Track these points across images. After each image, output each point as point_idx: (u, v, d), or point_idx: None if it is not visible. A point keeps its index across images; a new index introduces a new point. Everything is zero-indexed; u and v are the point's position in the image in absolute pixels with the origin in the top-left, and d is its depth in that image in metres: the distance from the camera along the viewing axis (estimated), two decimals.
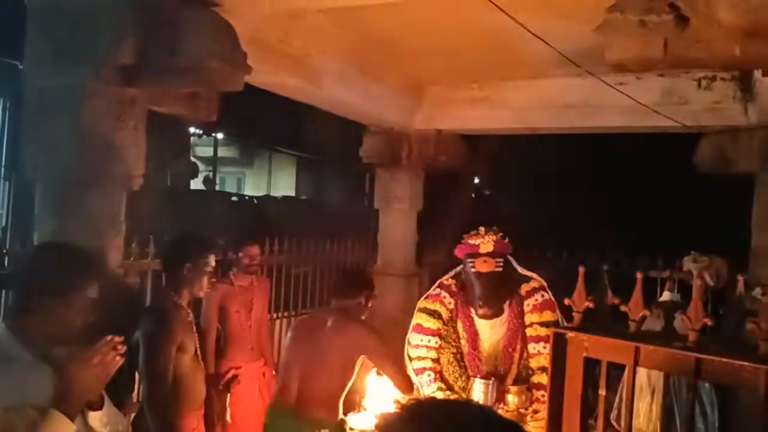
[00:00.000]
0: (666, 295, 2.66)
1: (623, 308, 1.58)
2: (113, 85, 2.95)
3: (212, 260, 3.18)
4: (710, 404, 2.57)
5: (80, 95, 2.91)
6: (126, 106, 3.03)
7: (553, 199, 10.56)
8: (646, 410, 2.49)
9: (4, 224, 8.03)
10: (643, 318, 1.66)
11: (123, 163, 3.07)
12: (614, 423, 2.38)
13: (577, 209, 9.87)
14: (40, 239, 3.06)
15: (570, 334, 1.60)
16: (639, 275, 1.58)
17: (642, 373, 2.37)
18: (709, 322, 1.44)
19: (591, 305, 1.61)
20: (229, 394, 3.64)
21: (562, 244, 5.71)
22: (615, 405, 2.42)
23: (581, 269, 1.66)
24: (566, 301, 1.63)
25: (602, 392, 1.64)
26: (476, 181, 18.19)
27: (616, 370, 1.72)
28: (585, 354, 1.58)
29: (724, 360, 1.39)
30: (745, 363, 1.36)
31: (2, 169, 8.46)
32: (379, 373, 3.43)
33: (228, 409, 3.64)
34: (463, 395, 3.63)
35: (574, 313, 1.64)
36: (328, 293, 3.39)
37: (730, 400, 1.88)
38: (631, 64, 2.10)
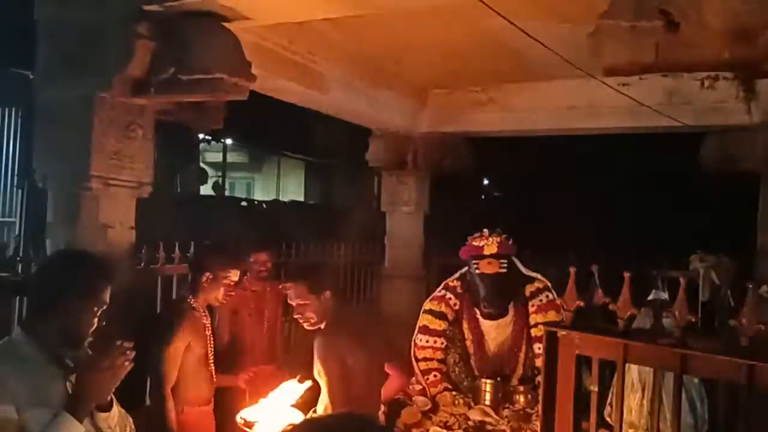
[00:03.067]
0: (653, 294, 2.70)
1: (612, 307, 1.62)
2: (122, 95, 3.03)
3: (233, 275, 3.28)
4: (699, 399, 2.61)
5: (90, 106, 2.99)
6: (134, 116, 3.11)
7: (561, 200, 10.57)
8: (637, 406, 2.53)
9: (17, 232, 8.14)
10: (633, 316, 1.71)
11: (132, 171, 3.15)
12: (607, 419, 2.42)
13: (584, 210, 9.87)
14: (52, 247, 3.14)
15: (561, 333, 1.65)
16: (626, 275, 1.62)
17: (633, 369, 2.41)
18: (693, 319, 1.48)
19: (581, 304, 1.66)
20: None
21: (569, 244, 5.73)
22: (608, 401, 2.46)
23: (572, 269, 1.71)
24: (557, 302, 1.68)
25: (594, 388, 1.68)
26: (485, 182, 18.21)
27: (609, 367, 1.76)
28: (577, 352, 1.62)
29: (708, 355, 1.43)
30: (727, 358, 1.41)
31: (15, 177, 8.58)
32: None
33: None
34: (470, 395, 3.69)
35: (564, 312, 1.69)
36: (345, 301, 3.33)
37: (719, 395, 1.93)
38: (623, 68, 2.14)
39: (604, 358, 1.64)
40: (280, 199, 15.49)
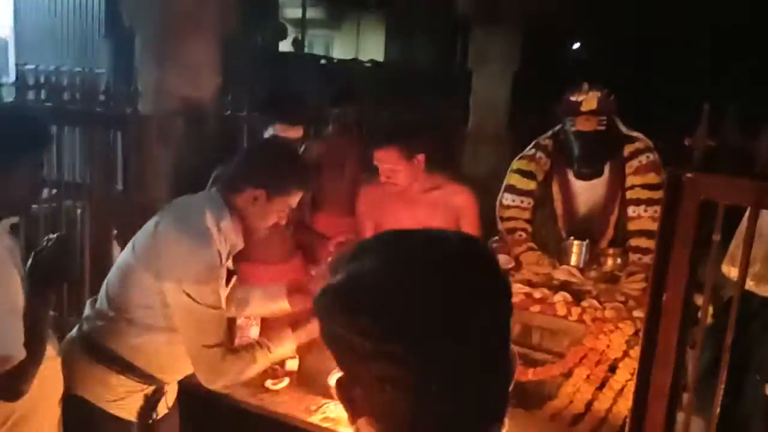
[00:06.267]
0: None
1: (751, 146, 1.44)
2: None
3: (292, 132, 3.07)
4: None
5: None
6: None
7: (663, 61, 9.78)
8: (763, 257, 2.35)
9: (107, 84, 8.33)
10: None
11: (216, 10, 3.05)
12: (724, 271, 2.28)
13: (685, 67, 9.10)
14: (143, 91, 3.15)
15: (687, 175, 1.48)
16: None
17: (764, 216, 2.17)
18: None
19: (713, 144, 1.47)
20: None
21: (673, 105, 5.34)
22: (729, 251, 2.31)
23: (706, 106, 1.50)
24: (686, 141, 1.49)
25: (716, 237, 1.54)
26: (577, 45, 17.13)
27: (730, 217, 1.60)
28: (703, 197, 1.46)
29: None
30: None
31: (103, 27, 8.67)
32: None
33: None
34: (555, 256, 3.61)
35: (694, 153, 1.50)
36: None
37: None
38: None
39: (735, 203, 1.48)
40: (359, 58, 15.16)
